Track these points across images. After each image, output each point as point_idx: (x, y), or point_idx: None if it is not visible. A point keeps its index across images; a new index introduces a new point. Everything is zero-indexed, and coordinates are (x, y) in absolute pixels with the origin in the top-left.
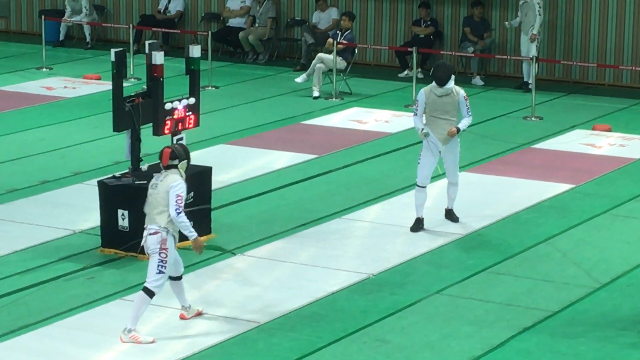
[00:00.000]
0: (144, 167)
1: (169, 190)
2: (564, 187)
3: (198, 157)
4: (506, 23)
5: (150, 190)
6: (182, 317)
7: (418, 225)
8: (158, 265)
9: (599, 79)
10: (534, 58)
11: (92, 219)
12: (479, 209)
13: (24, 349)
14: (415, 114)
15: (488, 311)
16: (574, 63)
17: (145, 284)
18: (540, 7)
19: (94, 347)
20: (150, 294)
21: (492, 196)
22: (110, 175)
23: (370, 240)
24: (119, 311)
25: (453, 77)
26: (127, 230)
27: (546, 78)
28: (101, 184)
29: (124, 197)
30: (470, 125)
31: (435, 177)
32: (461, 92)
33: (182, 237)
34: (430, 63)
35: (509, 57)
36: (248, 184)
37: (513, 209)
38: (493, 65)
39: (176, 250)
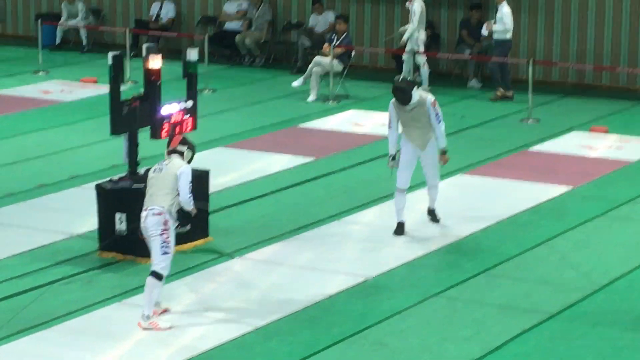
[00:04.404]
0: (141, 170)
1: (177, 173)
2: (561, 189)
3: (195, 160)
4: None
5: (152, 174)
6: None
7: (400, 229)
8: (162, 247)
9: (596, 81)
10: (531, 59)
11: (90, 222)
12: (477, 211)
13: (21, 353)
14: (390, 127)
15: (486, 314)
16: (571, 65)
17: (152, 268)
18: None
19: (92, 351)
20: (159, 277)
21: (490, 199)
22: (108, 178)
23: (368, 243)
24: (117, 315)
25: (414, 90)
26: (125, 233)
27: (543, 80)
28: (99, 188)
29: (121, 200)
30: (461, 130)
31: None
32: (428, 99)
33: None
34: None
35: (506, 60)
36: (246, 187)
37: (511, 211)
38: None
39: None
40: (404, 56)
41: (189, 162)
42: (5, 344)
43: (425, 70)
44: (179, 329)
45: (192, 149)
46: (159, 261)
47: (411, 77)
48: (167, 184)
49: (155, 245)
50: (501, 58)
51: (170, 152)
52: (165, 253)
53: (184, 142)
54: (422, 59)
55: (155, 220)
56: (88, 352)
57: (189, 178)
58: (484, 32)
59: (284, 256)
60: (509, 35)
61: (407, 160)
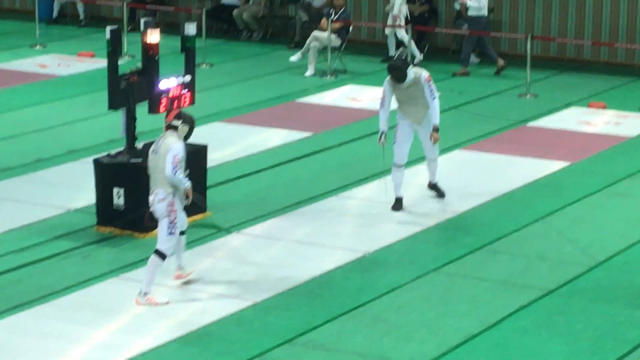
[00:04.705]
0: (139, 145)
1: (168, 151)
2: (559, 165)
3: (193, 135)
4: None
5: (151, 156)
6: (177, 277)
7: (398, 205)
8: (168, 228)
9: (594, 57)
10: (530, 35)
11: (87, 197)
12: (474, 187)
13: (19, 328)
14: (382, 106)
15: (484, 289)
16: (569, 41)
17: (157, 247)
18: None
19: (90, 325)
20: (162, 256)
21: (487, 174)
22: (106, 153)
23: (366, 219)
24: (114, 289)
25: (410, 68)
26: (123, 208)
27: (541, 56)
28: (96, 162)
29: (119, 175)
30: (459, 106)
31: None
32: (422, 75)
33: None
34: (425, 42)
35: (504, 35)
36: (243, 162)
37: (508, 187)
38: (488, 42)
39: (183, 210)
40: (387, 31)
41: (187, 136)
42: (3, 318)
43: (408, 41)
44: (177, 303)
45: (189, 122)
46: (164, 242)
47: (393, 52)
48: (161, 165)
49: (162, 226)
50: (474, 36)
51: (166, 127)
52: (171, 234)
53: (178, 116)
54: (404, 34)
55: (161, 206)
56: (86, 326)
57: (174, 153)
58: (456, 6)
59: (281, 231)
60: (483, 12)
61: (404, 136)
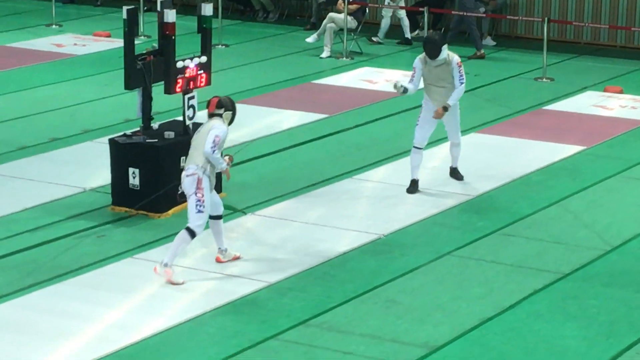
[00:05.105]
0: (154, 125)
1: (210, 130)
2: (575, 148)
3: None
4: None
5: (194, 136)
6: (217, 260)
7: (414, 187)
8: (196, 205)
9: (611, 41)
10: (546, 19)
11: (102, 176)
12: (490, 170)
13: (34, 307)
14: (411, 82)
15: (499, 273)
16: (586, 24)
17: (188, 224)
18: None
19: (104, 305)
20: (191, 233)
21: (503, 158)
22: (121, 133)
23: (380, 201)
24: (129, 269)
25: (444, 46)
26: (138, 188)
27: (557, 39)
28: (112, 142)
29: (135, 155)
30: (475, 89)
31: (443, 139)
32: (454, 59)
33: None
34: (442, 24)
35: (520, 18)
36: (259, 143)
37: (524, 170)
38: (504, 26)
39: (213, 191)
40: (383, 12)
41: (230, 122)
42: (18, 297)
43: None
44: (190, 284)
45: (232, 108)
46: (194, 219)
47: (408, 35)
48: (202, 143)
49: (190, 204)
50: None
51: (210, 116)
52: (200, 212)
53: (219, 105)
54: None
55: (189, 181)
56: (101, 306)
57: (217, 132)
58: None
59: (296, 213)
60: None
61: (427, 117)
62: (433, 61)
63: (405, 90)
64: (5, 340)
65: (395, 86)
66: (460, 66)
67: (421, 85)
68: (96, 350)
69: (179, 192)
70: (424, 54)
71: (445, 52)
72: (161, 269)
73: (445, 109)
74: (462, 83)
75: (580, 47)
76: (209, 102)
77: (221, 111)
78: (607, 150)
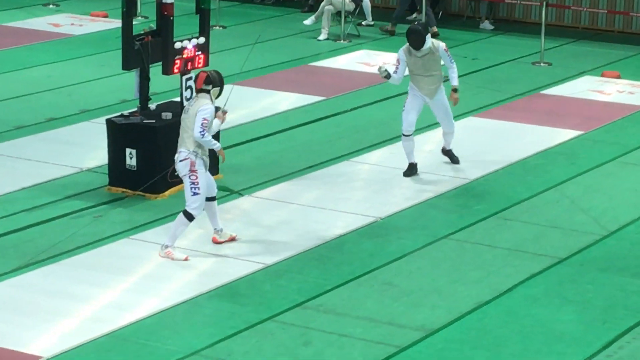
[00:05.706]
0: (152, 106)
1: (197, 113)
2: (572, 133)
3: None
4: None
5: (182, 116)
6: (214, 241)
7: (411, 170)
8: (191, 188)
9: (609, 26)
10: (544, 3)
11: (99, 157)
12: (487, 154)
13: (30, 286)
14: (395, 72)
15: (496, 257)
16: (584, 9)
17: (185, 207)
18: None
19: (100, 285)
20: (189, 216)
21: (500, 142)
22: (119, 113)
23: (377, 184)
24: (126, 250)
25: (428, 36)
26: (135, 169)
27: (555, 24)
28: (109, 122)
29: (132, 135)
30: (472, 73)
31: (438, 123)
32: (440, 45)
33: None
34: (440, 6)
35: (518, 2)
36: (255, 125)
37: (521, 155)
38: (502, 9)
39: (207, 173)
40: None
41: (217, 96)
42: (14, 276)
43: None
44: (186, 265)
45: (219, 84)
46: (190, 202)
47: (368, 19)
48: (190, 126)
49: (185, 186)
50: None
51: (197, 92)
52: (195, 194)
53: (207, 80)
54: None
55: (182, 165)
56: (96, 286)
57: (204, 115)
58: None
59: (292, 195)
60: None
61: (413, 104)
62: (418, 51)
63: (389, 75)
64: (0, 320)
65: (379, 69)
66: (447, 51)
67: (406, 73)
68: (91, 331)
69: (170, 172)
70: (407, 44)
71: (430, 42)
72: (162, 251)
73: (455, 90)
74: (453, 62)
75: (578, 32)
76: (197, 77)
77: (209, 87)
78: (604, 135)
